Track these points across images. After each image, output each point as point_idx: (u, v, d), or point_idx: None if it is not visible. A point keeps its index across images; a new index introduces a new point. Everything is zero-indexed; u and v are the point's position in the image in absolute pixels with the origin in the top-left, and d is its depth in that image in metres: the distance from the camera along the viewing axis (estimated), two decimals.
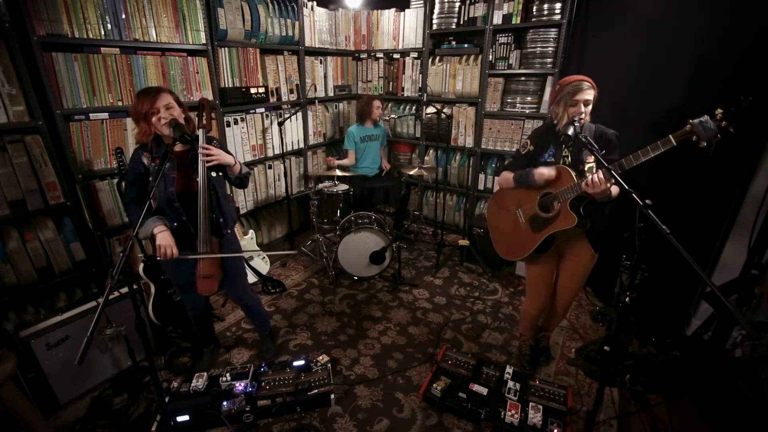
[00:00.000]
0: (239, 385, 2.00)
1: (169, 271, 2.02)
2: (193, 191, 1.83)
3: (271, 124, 3.39)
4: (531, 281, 2.21)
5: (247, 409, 1.92)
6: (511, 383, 2.02)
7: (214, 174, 1.85)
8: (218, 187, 1.91)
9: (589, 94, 1.77)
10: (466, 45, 3.54)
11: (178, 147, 1.84)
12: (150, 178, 1.81)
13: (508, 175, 2.02)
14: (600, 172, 1.59)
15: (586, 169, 1.78)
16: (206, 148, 1.74)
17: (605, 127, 1.86)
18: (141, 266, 2.27)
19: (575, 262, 2.03)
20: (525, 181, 1.91)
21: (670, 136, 1.45)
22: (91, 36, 2.20)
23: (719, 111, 1.37)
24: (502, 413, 1.87)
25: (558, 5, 2.99)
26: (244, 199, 3.31)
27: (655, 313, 2.44)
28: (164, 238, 1.76)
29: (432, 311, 2.85)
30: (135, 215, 1.86)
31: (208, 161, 1.74)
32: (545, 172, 1.83)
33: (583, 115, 1.77)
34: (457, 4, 3.46)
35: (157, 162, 1.80)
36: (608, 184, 1.61)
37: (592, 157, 1.76)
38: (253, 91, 3.12)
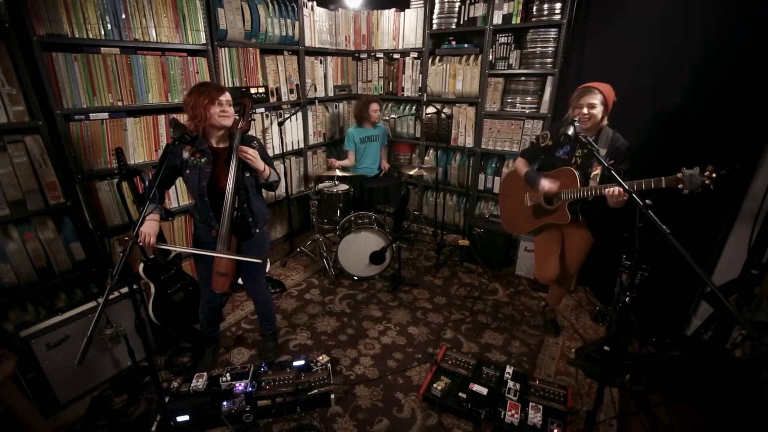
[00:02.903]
0: (239, 385, 2.00)
1: (199, 263, 2.09)
2: (222, 188, 1.87)
3: (271, 124, 3.39)
4: (538, 250, 2.45)
5: (247, 409, 1.92)
6: (511, 383, 2.02)
7: (247, 174, 1.92)
8: (249, 186, 1.95)
9: (594, 98, 1.93)
10: (466, 45, 3.54)
11: (217, 143, 1.91)
12: (187, 171, 1.85)
13: (522, 167, 2.30)
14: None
15: (592, 176, 1.97)
16: (243, 150, 1.82)
17: (621, 137, 2.00)
18: (141, 266, 2.27)
19: (575, 242, 2.29)
20: (531, 183, 2.21)
21: (663, 178, 1.66)
22: (91, 36, 2.20)
23: (710, 168, 1.54)
24: (502, 413, 1.87)
25: (558, 5, 2.99)
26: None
27: (655, 313, 2.44)
28: (149, 226, 1.81)
29: (432, 311, 2.85)
30: (151, 191, 1.80)
31: (245, 159, 1.83)
32: (547, 185, 2.11)
33: (585, 116, 1.94)
34: (457, 4, 3.46)
35: (197, 155, 1.85)
36: (624, 197, 1.77)
37: (599, 165, 1.94)
38: (253, 91, 3.12)
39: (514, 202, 2.43)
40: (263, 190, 2.14)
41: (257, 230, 2.04)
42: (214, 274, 1.95)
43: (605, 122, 2.00)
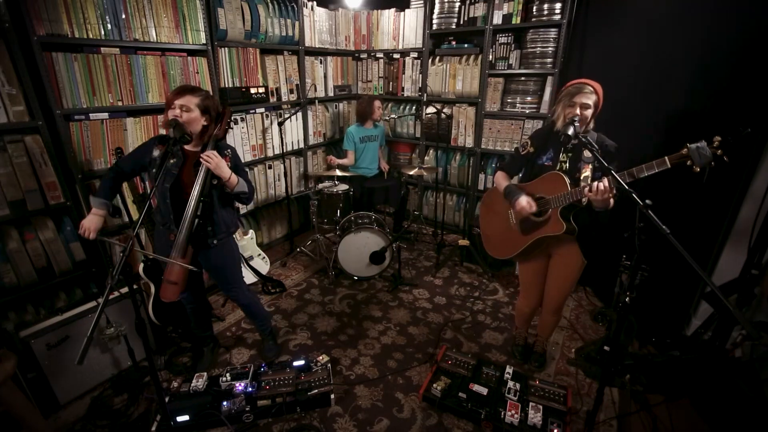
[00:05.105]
0: (239, 385, 2.00)
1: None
2: (186, 193, 1.83)
3: (271, 124, 3.39)
4: (523, 280, 2.27)
5: (247, 409, 1.92)
6: (511, 383, 2.02)
7: (215, 182, 1.86)
8: (217, 195, 1.90)
9: (589, 98, 1.76)
10: (466, 45, 3.54)
11: (190, 147, 1.88)
12: (154, 171, 1.83)
13: (502, 181, 2.07)
14: (606, 179, 1.59)
15: (581, 177, 1.78)
16: (206, 154, 1.77)
17: (606, 138, 1.86)
18: (141, 266, 2.27)
19: (564, 264, 2.04)
20: (509, 198, 1.93)
21: (666, 157, 1.45)
22: (91, 36, 2.20)
23: (717, 138, 1.38)
24: (502, 413, 1.87)
25: (558, 5, 2.99)
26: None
27: (655, 313, 2.44)
28: (90, 220, 1.81)
29: (432, 311, 2.85)
30: (105, 183, 1.88)
31: (205, 162, 1.77)
32: (524, 204, 1.85)
33: (578, 117, 1.76)
34: (457, 4, 3.46)
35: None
36: (612, 193, 1.61)
37: (589, 166, 1.77)
38: (253, 91, 3.12)
39: (499, 223, 2.17)
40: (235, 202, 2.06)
41: (215, 242, 1.96)
42: (163, 281, 1.88)
43: (592, 125, 1.84)
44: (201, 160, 1.77)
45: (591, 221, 1.87)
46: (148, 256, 1.85)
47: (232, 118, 2.98)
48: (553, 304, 2.17)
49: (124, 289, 2.15)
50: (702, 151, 1.37)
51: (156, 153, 1.83)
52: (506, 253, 2.15)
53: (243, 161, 3.19)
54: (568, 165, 1.89)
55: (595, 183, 1.63)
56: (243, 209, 3.33)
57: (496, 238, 2.22)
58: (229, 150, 1.92)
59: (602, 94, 1.79)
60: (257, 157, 3.35)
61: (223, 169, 1.80)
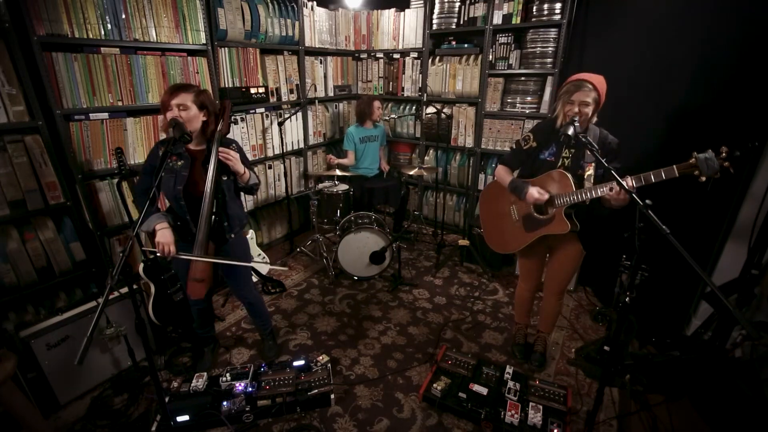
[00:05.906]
0: (239, 385, 2.00)
1: (177, 264, 2.05)
2: (200, 192, 1.83)
3: (271, 124, 3.39)
4: (523, 268, 2.31)
5: (247, 409, 1.92)
6: (511, 383, 2.02)
7: (225, 177, 1.87)
8: (227, 190, 1.91)
9: (588, 96, 1.73)
10: (466, 45, 3.54)
11: (195, 146, 1.87)
12: (162, 174, 1.77)
13: (505, 175, 2.07)
14: (628, 178, 1.60)
15: (585, 176, 1.78)
16: (224, 152, 1.78)
17: (609, 133, 1.86)
18: (141, 266, 2.27)
19: (565, 255, 2.08)
20: (517, 193, 1.95)
21: (674, 166, 1.49)
22: (91, 36, 2.20)
23: (724, 149, 1.41)
24: (502, 413, 1.87)
25: (558, 5, 2.99)
26: (244, 199, 3.31)
27: (655, 313, 2.44)
28: (164, 236, 1.79)
29: (432, 311, 2.85)
30: (144, 209, 1.83)
31: (225, 160, 1.79)
32: (536, 195, 1.86)
33: (578, 115, 1.74)
34: (457, 4, 3.46)
35: (173, 159, 1.82)
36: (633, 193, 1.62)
37: (592, 165, 1.78)
38: (253, 91, 3.12)
39: (499, 218, 2.17)
40: (241, 194, 2.08)
41: (232, 235, 2.00)
42: (189, 280, 1.91)
43: (594, 120, 1.83)
44: (221, 158, 1.78)
45: (588, 215, 1.90)
46: (181, 256, 1.86)
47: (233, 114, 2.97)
48: (555, 287, 2.18)
49: (124, 289, 2.15)
50: (710, 162, 1.41)
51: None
52: (508, 249, 2.17)
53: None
54: (570, 161, 1.89)
55: (616, 186, 1.62)
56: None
57: (498, 233, 2.23)
58: (234, 144, 1.93)
59: (604, 89, 1.77)
60: (257, 157, 3.36)
61: (240, 164, 1.84)
